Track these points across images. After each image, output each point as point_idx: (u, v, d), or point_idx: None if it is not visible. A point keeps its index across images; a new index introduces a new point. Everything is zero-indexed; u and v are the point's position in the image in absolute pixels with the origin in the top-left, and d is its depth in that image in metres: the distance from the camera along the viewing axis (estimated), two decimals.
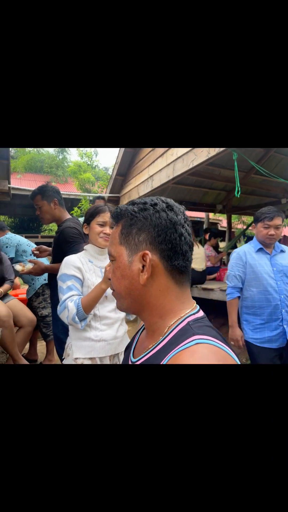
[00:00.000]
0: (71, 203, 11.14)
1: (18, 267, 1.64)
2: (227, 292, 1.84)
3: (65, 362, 1.18)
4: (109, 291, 1.07)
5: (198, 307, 0.53)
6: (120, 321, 1.18)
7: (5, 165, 4.80)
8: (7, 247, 2.44)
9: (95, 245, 1.18)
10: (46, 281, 2.43)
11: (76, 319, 1.05)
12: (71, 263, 1.12)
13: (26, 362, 2.07)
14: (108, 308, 1.14)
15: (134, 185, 4.90)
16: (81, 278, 1.11)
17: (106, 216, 1.15)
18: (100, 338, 1.10)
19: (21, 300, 2.35)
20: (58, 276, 1.14)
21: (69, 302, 1.06)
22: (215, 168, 4.90)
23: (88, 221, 1.18)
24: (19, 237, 2.60)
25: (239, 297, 1.81)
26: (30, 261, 1.62)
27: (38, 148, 15.84)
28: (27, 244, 2.58)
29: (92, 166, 14.68)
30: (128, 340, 1.22)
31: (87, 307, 1.03)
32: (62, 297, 1.08)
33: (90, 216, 1.18)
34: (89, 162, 14.66)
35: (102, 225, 1.16)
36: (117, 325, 1.14)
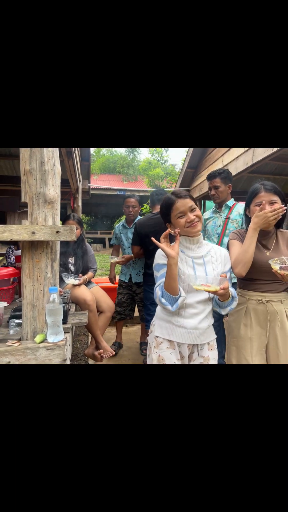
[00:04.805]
0: (140, 200, 11.56)
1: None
2: None
3: (148, 338, 1.24)
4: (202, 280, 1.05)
5: None
6: (206, 314, 1.13)
7: (86, 166, 5.31)
8: None
9: (187, 235, 1.13)
10: None
11: (163, 300, 1.07)
12: (162, 253, 1.13)
13: (105, 344, 2.25)
14: (196, 298, 1.10)
15: (205, 176, 4.73)
16: None
17: (180, 206, 1.08)
18: (180, 324, 1.09)
19: (102, 288, 2.56)
20: (153, 266, 1.19)
21: (157, 288, 1.11)
22: None
23: (167, 220, 1.15)
24: None
25: None
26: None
27: (111, 150, 16.93)
28: None
29: (161, 162, 14.88)
30: (213, 335, 1.18)
31: (167, 287, 1.04)
32: (156, 283, 1.13)
33: (166, 216, 1.14)
34: (159, 158, 14.91)
35: (182, 215, 1.09)
36: (201, 316, 1.11)
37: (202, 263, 1.14)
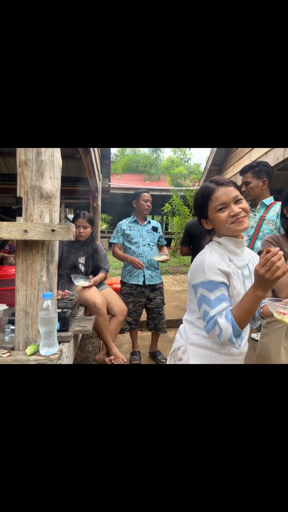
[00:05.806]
0: (162, 200, 11.42)
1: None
2: None
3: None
4: None
5: None
6: (248, 335, 0.93)
7: (107, 165, 5.25)
8: None
9: (230, 235, 0.86)
10: None
11: (234, 340, 0.77)
12: (216, 265, 0.82)
13: (117, 350, 2.12)
14: None
15: (231, 174, 4.44)
16: (228, 285, 0.84)
17: (221, 196, 0.81)
18: (226, 351, 0.87)
19: (115, 290, 2.43)
20: (199, 282, 0.84)
21: (220, 319, 0.78)
22: None
23: (203, 214, 0.88)
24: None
25: None
26: None
27: (135, 150, 16.91)
28: None
29: (184, 160, 14.58)
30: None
31: (241, 323, 0.76)
32: (210, 311, 0.80)
33: (202, 208, 0.87)
34: (182, 156, 14.62)
35: (223, 208, 0.82)
36: (245, 339, 0.90)
37: (248, 275, 0.88)
